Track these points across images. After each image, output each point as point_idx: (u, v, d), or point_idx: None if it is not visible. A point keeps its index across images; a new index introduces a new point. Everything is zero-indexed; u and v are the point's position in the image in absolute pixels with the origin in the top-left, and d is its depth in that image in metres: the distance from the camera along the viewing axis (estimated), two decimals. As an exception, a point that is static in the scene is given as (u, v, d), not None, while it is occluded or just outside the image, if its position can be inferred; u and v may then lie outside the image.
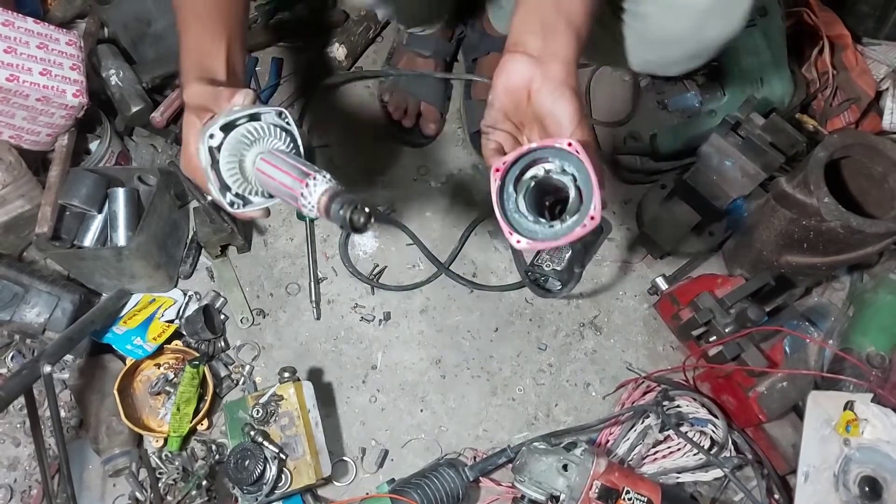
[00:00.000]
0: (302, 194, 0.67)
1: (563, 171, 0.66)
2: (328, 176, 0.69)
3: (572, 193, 0.65)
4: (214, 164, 0.74)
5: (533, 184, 0.67)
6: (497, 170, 0.66)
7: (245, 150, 0.76)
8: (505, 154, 0.69)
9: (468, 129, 1.58)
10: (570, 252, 1.27)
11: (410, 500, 1.15)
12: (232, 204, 0.77)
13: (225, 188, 0.76)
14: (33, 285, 1.31)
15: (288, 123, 0.79)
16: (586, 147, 0.63)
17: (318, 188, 0.67)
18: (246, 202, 0.79)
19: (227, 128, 0.74)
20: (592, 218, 0.62)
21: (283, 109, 0.79)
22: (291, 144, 0.80)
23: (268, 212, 0.83)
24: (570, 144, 0.62)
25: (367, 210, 0.65)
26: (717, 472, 1.21)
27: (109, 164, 1.46)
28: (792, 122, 1.39)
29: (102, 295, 1.40)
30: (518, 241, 0.66)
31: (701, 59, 1.05)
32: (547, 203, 0.71)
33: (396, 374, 1.40)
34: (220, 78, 0.81)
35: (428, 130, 1.55)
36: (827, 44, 1.52)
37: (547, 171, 0.67)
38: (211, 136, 0.73)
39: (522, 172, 0.68)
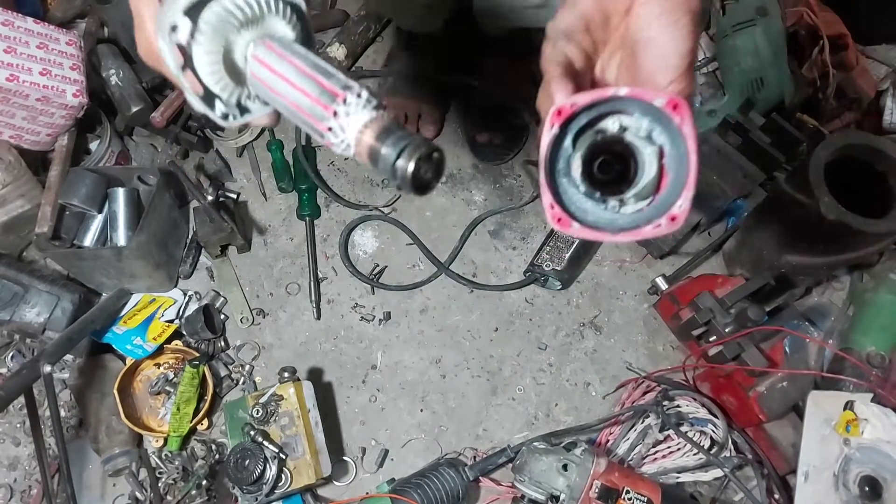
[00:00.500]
0: (330, 125, 0.45)
1: (648, 138, 0.47)
2: (370, 95, 0.46)
3: (650, 172, 0.47)
4: (188, 62, 0.49)
5: (598, 140, 0.48)
6: (559, 112, 0.46)
7: (233, 33, 0.50)
8: (571, 77, 0.49)
9: (465, 134, 1.58)
10: (572, 250, 1.27)
11: (410, 500, 1.15)
12: (225, 116, 0.54)
13: (210, 96, 0.52)
14: (33, 285, 1.31)
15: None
16: (691, 111, 0.45)
17: (357, 115, 0.45)
18: (244, 110, 0.55)
19: (197, 7, 0.48)
20: (673, 219, 0.45)
21: None
22: (304, 35, 0.54)
23: (277, 117, 0.58)
24: (674, 106, 0.44)
25: (435, 156, 0.45)
26: (717, 472, 1.21)
27: (109, 163, 1.46)
28: (792, 121, 1.39)
29: (102, 295, 1.40)
30: (560, 221, 0.47)
31: None
32: (598, 167, 0.50)
33: (396, 374, 1.40)
34: None
35: (427, 133, 1.54)
36: (827, 43, 1.52)
37: (623, 129, 0.48)
38: (174, 29, 0.48)
39: (588, 125, 0.48)
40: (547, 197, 0.48)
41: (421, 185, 0.44)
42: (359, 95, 0.45)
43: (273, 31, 0.52)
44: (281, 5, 0.52)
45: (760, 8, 1.42)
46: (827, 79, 1.53)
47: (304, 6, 0.54)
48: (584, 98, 0.46)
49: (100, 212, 1.32)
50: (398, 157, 0.43)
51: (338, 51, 1.61)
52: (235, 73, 0.52)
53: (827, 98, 1.53)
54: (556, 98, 0.47)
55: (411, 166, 0.43)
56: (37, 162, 1.40)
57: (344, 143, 0.46)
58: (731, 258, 1.46)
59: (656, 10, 0.48)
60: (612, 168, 0.50)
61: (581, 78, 0.52)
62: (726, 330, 1.22)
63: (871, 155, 1.19)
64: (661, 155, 0.47)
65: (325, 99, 0.46)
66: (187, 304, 1.40)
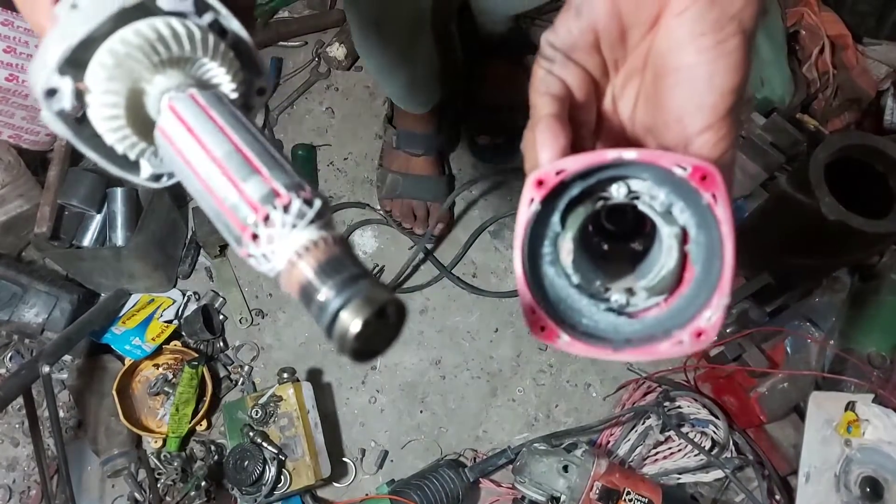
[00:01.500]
0: (256, 233, 0.31)
1: (667, 214, 0.35)
2: (323, 205, 0.32)
3: (669, 261, 0.35)
4: (81, 130, 0.37)
5: (597, 211, 0.36)
6: (541, 182, 0.34)
7: (144, 78, 0.36)
8: (566, 119, 0.36)
9: (466, 135, 1.57)
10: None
11: (410, 502, 1.14)
12: (156, 178, 0.41)
13: (101, 149, 0.38)
14: (32, 285, 1.31)
15: (226, 24, 0.38)
16: (725, 180, 0.33)
17: (296, 232, 0.31)
18: (133, 166, 0.40)
19: (88, 45, 0.34)
20: (700, 335, 0.33)
21: None
22: (246, 88, 0.40)
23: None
24: (703, 177, 0.32)
25: (391, 313, 0.30)
26: (718, 473, 1.21)
27: (108, 163, 1.45)
28: (792, 121, 1.39)
29: (101, 295, 1.40)
30: (544, 331, 0.34)
31: None
32: (600, 245, 0.40)
33: (396, 375, 1.40)
34: None
35: (438, 231, 1.44)
36: (827, 43, 1.52)
37: (633, 196, 0.36)
38: (50, 95, 0.34)
39: (584, 193, 0.36)
40: (526, 297, 0.35)
41: (362, 352, 0.30)
42: (306, 201, 0.31)
43: (207, 78, 0.38)
44: (216, 44, 0.37)
45: (760, 8, 1.42)
46: (827, 78, 1.53)
47: (251, 44, 0.39)
48: (575, 163, 0.33)
49: (99, 212, 1.32)
50: (341, 307, 0.29)
51: (337, 51, 1.61)
52: (139, 120, 0.37)
53: (827, 98, 1.53)
54: (542, 155, 0.34)
55: (356, 325, 0.29)
56: (36, 162, 1.40)
57: (269, 266, 0.32)
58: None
59: (697, 27, 0.34)
60: (618, 234, 0.38)
61: (583, 113, 0.39)
62: (727, 330, 1.21)
63: (872, 155, 1.19)
64: (683, 239, 0.35)
65: (257, 195, 0.31)
66: (186, 304, 1.40)
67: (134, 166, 0.39)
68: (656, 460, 1.23)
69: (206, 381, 1.29)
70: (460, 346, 1.42)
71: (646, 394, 1.32)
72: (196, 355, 1.32)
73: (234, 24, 0.38)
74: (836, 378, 1.24)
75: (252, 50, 0.39)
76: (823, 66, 1.53)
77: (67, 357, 1.32)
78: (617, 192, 0.35)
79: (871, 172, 1.21)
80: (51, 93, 0.34)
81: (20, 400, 1.12)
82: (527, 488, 1.12)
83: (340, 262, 0.30)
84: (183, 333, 1.36)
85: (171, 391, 1.32)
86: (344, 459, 1.31)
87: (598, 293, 0.36)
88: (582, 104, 0.39)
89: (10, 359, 1.36)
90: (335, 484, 1.29)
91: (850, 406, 1.13)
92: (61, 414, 1.31)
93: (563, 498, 1.08)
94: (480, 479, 1.25)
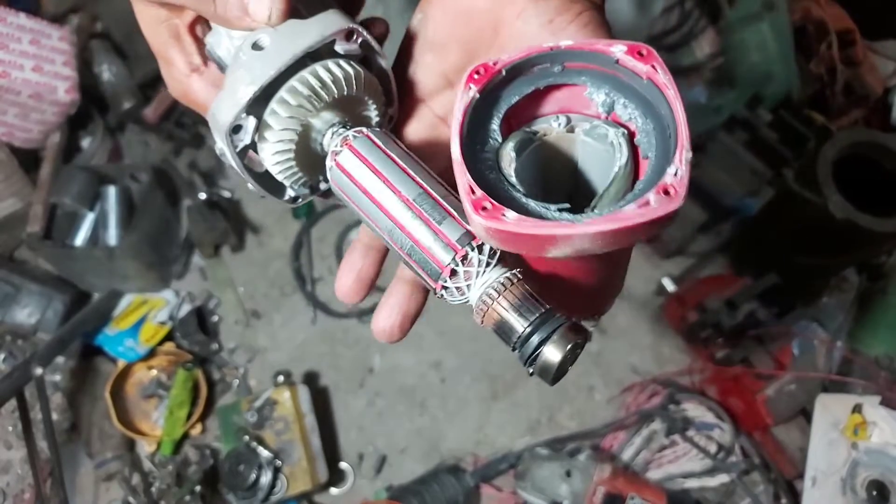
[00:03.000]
0: (446, 285, 0.35)
1: (607, 123, 0.35)
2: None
3: (619, 159, 0.34)
4: (246, 155, 0.39)
5: (537, 145, 0.36)
6: (477, 72, 0.34)
7: (314, 111, 0.38)
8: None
9: None
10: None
11: (409, 507, 1.13)
12: (294, 200, 0.44)
13: (274, 186, 0.42)
14: (24, 285, 1.29)
15: (377, 61, 0.41)
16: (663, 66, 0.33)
17: (483, 276, 0.35)
18: (314, 189, 0.44)
19: (260, 101, 0.37)
20: (667, 191, 0.30)
21: (360, 29, 0.39)
22: (382, 114, 0.42)
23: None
24: (639, 52, 0.32)
25: (583, 342, 0.34)
26: (724, 477, 1.19)
27: (101, 160, 1.44)
28: (799, 117, 1.37)
29: (94, 295, 1.38)
30: (485, 210, 0.31)
31: None
32: (533, 174, 0.38)
33: (395, 378, 1.38)
34: None
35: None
36: (835, 39, 1.50)
37: (569, 128, 0.36)
38: (235, 132, 0.38)
39: (511, 121, 0.37)
40: (464, 177, 0.32)
41: (558, 377, 0.34)
42: (494, 249, 0.34)
43: (360, 111, 0.41)
44: (372, 83, 0.40)
45: (767, 2, 1.40)
46: (834, 74, 1.51)
47: (391, 77, 0.41)
48: (512, 55, 0.34)
49: (91, 210, 1.30)
50: (542, 342, 0.33)
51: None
52: (309, 161, 0.40)
53: (835, 94, 1.51)
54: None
55: (557, 357, 0.32)
56: (28, 160, 1.39)
57: (461, 298, 0.36)
58: (739, 258, 1.44)
59: (543, 17, 0.36)
60: (559, 177, 0.37)
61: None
62: (734, 332, 1.20)
63: (879, 152, 1.18)
64: (630, 135, 0.35)
65: (454, 236, 0.35)
66: (180, 305, 1.38)
67: (280, 189, 0.42)
68: (661, 464, 1.21)
69: (201, 384, 1.28)
70: (461, 348, 1.40)
71: (650, 397, 1.30)
72: (190, 357, 1.30)
73: (383, 63, 0.40)
74: (843, 380, 1.23)
75: (391, 82, 0.41)
76: (831, 62, 1.51)
77: (60, 359, 1.30)
78: (556, 125, 0.36)
79: (879, 170, 1.20)
80: (236, 129, 0.37)
81: (13, 402, 1.10)
82: (529, 493, 1.10)
83: (530, 300, 0.34)
84: (177, 335, 1.34)
85: (165, 394, 1.30)
86: (341, 464, 1.29)
87: (551, 209, 0.34)
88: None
89: (3, 360, 1.35)
90: (332, 489, 1.27)
91: (857, 409, 1.11)
92: (54, 416, 1.29)
93: (565, 503, 1.06)
94: (481, 484, 1.23)
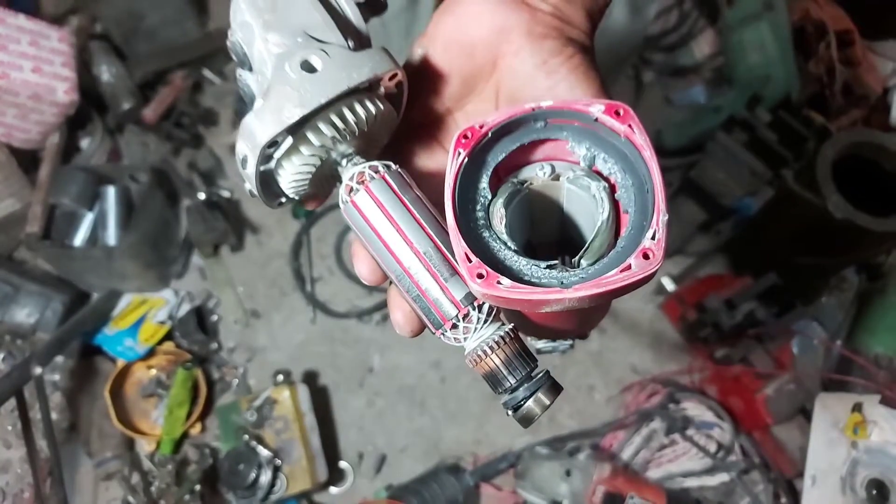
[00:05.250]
0: (444, 333, 0.38)
1: (589, 175, 0.37)
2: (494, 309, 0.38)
3: (601, 214, 0.36)
4: (268, 173, 0.41)
5: (525, 194, 0.38)
6: (465, 136, 0.36)
7: (329, 152, 0.40)
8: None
9: None
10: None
11: (409, 506, 1.13)
12: (282, 203, 0.45)
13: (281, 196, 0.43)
14: (23, 285, 1.29)
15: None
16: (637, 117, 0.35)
17: (480, 331, 0.37)
18: (277, 198, 0.45)
19: (292, 130, 0.38)
20: (647, 256, 0.32)
21: (402, 72, 0.40)
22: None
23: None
24: (616, 113, 0.34)
25: (557, 394, 0.38)
26: (724, 477, 1.19)
27: (100, 161, 1.43)
28: (799, 118, 1.37)
29: (93, 295, 1.38)
30: (481, 277, 0.33)
31: None
32: (524, 223, 0.41)
33: (394, 377, 1.37)
34: None
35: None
36: (834, 39, 1.50)
37: (555, 175, 0.38)
38: (269, 146, 0.38)
39: (509, 173, 0.39)
40: (460, 245, 0.34)
41: (533, 421, 0.38)
42: (493, 308, 0.37)
43: (372, 141, 0.42)
44: (393, 117, 0.41)
45: (766, 3, 1.40)
46: (833, 75, 1.51)
47: (405, 100, 0.42)
48: (497, 116, 0.36)
49: (90, 210, 1.30)
50: (528, 397, 0.37)
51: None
52: (320, 180, 0.42)
53: (834, 94, 1.51)
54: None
55: (538, 412, 0.37)
56: (27, 160, 1.39)
57: (457, 345, 0.38)
58: (738, 258, 1.44)
59: (538, 58, 0.38)
60: (547, 224, 0.39)
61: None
62: (734, 331, 1.20)
63: (879, 153, 1.18)
64: (612, 189, 0.36)
65: (459, 295, 0.37)
66: (179, 304, 1.38)
67: (277, 198, 0.43)
68: (661, 464, 1.21)
69: (200, 383, 1.28)
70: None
71: (650, 396, 1.30)
72: (190, 357, 1.30)
73: (404, 88, 0.41)
74: (842, 379, 1.23)
75: (403, 103, 0.42)
76: (830, 62, 1.51)
77: (60, 358, 1.30)
78: (542, 173, 0.38)
79: (878, 170, 1.19)
80: (272, 144, 0.38)
81: (12, 402, 1.10)
82: (528, 493, 1.10)
83: (520, 359, 0.37)
84: (176, 334, 1.34)
85: (164, 393, 1.30)
86: (341, 463, 1.29)
87: (539, 265, 0.36)
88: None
89: (2, 360, 1.35)
90: (332, 488, 1.27)
91: (856, 408, 1.11)
92: (54, 416, 1.29)
93: (565, 503, 1.06)
94: (481, 484, 1.23)
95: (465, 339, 0.38)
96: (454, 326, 0.37)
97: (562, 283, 0.34)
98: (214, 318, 1.39)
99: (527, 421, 0.37)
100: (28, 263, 1.41)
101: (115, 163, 1.47)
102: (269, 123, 0.36)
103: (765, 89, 1.42)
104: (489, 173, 0.37)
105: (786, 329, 1.21)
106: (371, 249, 0.39)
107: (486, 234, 0.37)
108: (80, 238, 1.30)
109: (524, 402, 0.37)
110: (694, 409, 1.25)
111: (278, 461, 1.13)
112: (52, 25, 1.33)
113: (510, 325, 0.38)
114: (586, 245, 0.36)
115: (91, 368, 1.30)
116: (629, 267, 0.32)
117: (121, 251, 1.23)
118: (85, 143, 1.43)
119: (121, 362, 1.26)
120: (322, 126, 0.38)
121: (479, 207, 0.37)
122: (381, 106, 0.39)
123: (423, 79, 0.41)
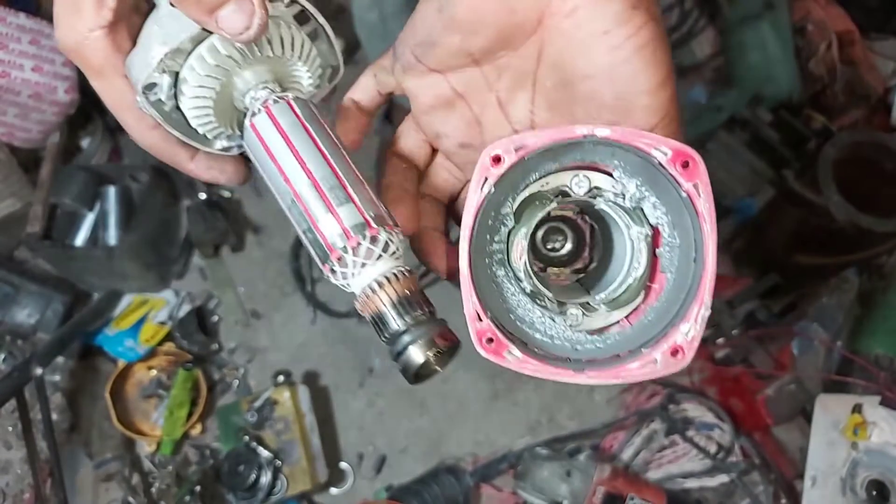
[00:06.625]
0: (333, 268, 0.34)
1: (635, 212, 0.32)
2: (397, 232, 0.35)
3: (637, 266, 0.31)
4: (166, 109, 0.38)
5: (553, 210, 0.33)
6: (497, 160, 0.30)
7: (235, 69, 0.38)
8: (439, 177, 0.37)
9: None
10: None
11: (409, 507, 1.13)
12: (226, 150, 0.42)
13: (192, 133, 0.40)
14: (24, 285, 1.29)
15: (317, 24, 0.39)
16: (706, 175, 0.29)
17: (374, 266, 0.34)
18: (207, 140, 0.42)
19: (176, 54, 0.36)
20: (676, 353, 0.29)
21: None
22: (318, 75, 0.41)
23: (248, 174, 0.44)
24: (684, 164, 0.30)
25: (450, 349, 0.36)
26: (724, 478, 1.19)
27: (101, 160, 1.43)
28: (800, 117, 1.37)
29: (94, 295, 1.38)
30: (490, 343, 0.32)
31: None
32: (545, 242, 0.36)
33: (395, 378, 1.37)
34: None
35: None
36: (835, 39, 1.50)
37: (595, 192, 0.32)
38: (149, 88, 0.36)
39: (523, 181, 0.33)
40: (471, 300, 0.32)
41: (423, 376, 0.34)
42: (390, 234, 0.34)
43: (289, 72, 0.40)
44: (305, 45, 0.39)
45: (767, 2, 1.40)
46: (834, 74, 1.51)
47: (329, 32, 0.40)
48: (538, 139, 0.30)
49: (91, 210, 1.30)
50: (412, 342, 0.33)
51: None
52: (235, 116, 0.40)
53: (835, 94, 1.51)
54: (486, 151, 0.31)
55: (421, 358, 0.33)
56: (28, 160, 1.38)
57: (344, 283, 0.35)
58: (739, 258, 1.44)
59: (597, 25, 0.30)
60: (567, 244, 0.34)
61: (465, 155, 0.38)
62: (734, 332, 1.20)
63: (880, 152, 1.18)
64: (654, 240, 0.31)
65: (350, 223, 0.33)
66: (180, 305, 1.38)
67: (207, 140, 0.41)
68: (661, 465, 1.21)
69: (201, 384, 1.28)
70: (461, 347, 1.40)
71: (650, 397, 1.30)
72: (190, 357, 1.30)
73: (320, 19, 0.39)
74: (843, 380, 1.23)
75: (330, 37, 0.40)
76: (831, 62, 1.51)
77: (60, 359, 1.30)
78: (577, 187, 0.32)
79: (879, 170, 1.19)
80: (150, 86, 0.37)
81: (13, 402, 1.10)
82: (528, 494, 1.10)
83: (413, 299, 0.34)
84: (177, 335, 1.34)
85: (164, 394, 1.30)
86: (341, 464, 1.29)
87: (552, 306, 0.32)
88: (469, 145, 0.38)
89: (3, 360, 1.35)
90: (332, 489, 1.27)
91: (856, 409, 1.11)
92: (54, 416, 1.29)
93: (565, 503, 1.06)
94: (481, 485, 1.23)
95: (353, 275, 0.34)
96: (341, 260, 0.33)
97: (575, 351, 0.31)
98: (215, 318, 1.39)
99: (407, 371, 0.33)
100: (28, 263, 1.41)
101: (116, 162, 1.47)
102: (139, 66, 0.36)
103: (766, 89, 1.42)
104: (516, 198, 0.32)
105: (786, 330, 1.21)
106: (266, 177, 0.37)
107: (500, 272, 0.33)
108: (80, 238, 1.30)
109: (406, 350, 0.33)
110: (694, 409, 1.25)
111: (278, 462, 1.13)
112: (52, 24, 1.32)
113: (407, 266, 0.34)
114: (609, 295, 0.32)
115: (91, 369, 1.30)
116: (654, 361, 0.28)
117: (121, 251, 1.23)
118: (86, 142, 1.43)
119: (121, 363, 1.26)
120: (206, 55, 0.36)
121: (497, 238, 0.33)
122: (276, 28, 0.36)
123: (449, 25, 0.34)
